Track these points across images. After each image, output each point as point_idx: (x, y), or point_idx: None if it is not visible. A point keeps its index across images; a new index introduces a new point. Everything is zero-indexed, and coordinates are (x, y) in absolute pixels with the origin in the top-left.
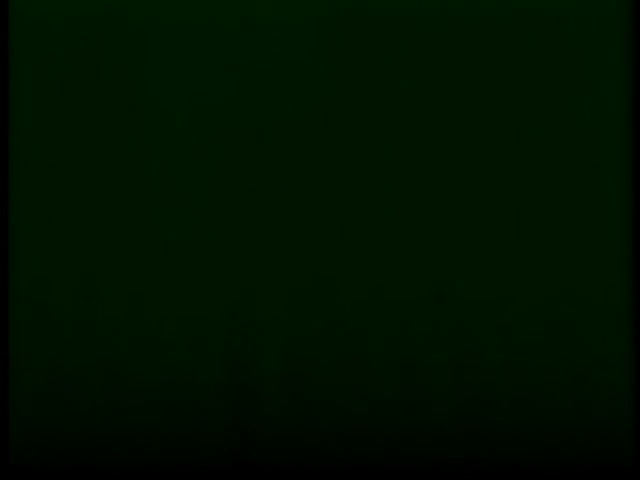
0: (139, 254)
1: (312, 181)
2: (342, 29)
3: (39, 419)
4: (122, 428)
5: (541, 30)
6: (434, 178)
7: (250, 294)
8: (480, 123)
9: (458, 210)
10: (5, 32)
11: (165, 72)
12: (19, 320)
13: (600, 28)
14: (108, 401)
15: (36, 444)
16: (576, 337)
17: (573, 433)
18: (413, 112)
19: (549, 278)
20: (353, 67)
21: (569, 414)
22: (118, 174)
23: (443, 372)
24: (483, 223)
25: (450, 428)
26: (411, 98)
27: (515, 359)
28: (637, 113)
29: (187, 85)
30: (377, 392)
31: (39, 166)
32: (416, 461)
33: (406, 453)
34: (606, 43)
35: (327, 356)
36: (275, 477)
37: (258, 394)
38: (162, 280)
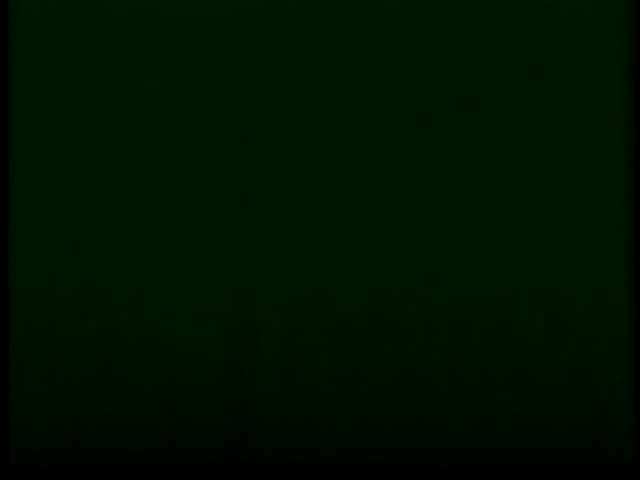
0: (139, 255)
1: (312, 182)
2: (342, 28)
3: (39, 419)
4: (122, 428)
5: (541, 30)
6: (434, 183)
7: (250, 294)
8: (480, 125)
9: (458, 213)
10: (5, 32)
11: (165, 72)
12: (19, 320)
13: (600, 28)
14: (108, 401)
15: (36, 444)
16: (576, 337)
17: (573, 433)
18: (413, 114)
19: (549, 279)
20: (353, 67)
21: (569, 414)
22: (118, 175)
23: (443, 372)
24: (483, 224)
25: (450, 428)
26: (411, 100)
27: (515, 360)
28: (637, 113)
29: (187, 85)
30: (377, 392)
31: (39, 167)
32: (416, 461)
33: (406, 453)
34: (606, 43)
35: (327, 356)
36: (275, 477)
37: (258, 394)
38: (162, 280)
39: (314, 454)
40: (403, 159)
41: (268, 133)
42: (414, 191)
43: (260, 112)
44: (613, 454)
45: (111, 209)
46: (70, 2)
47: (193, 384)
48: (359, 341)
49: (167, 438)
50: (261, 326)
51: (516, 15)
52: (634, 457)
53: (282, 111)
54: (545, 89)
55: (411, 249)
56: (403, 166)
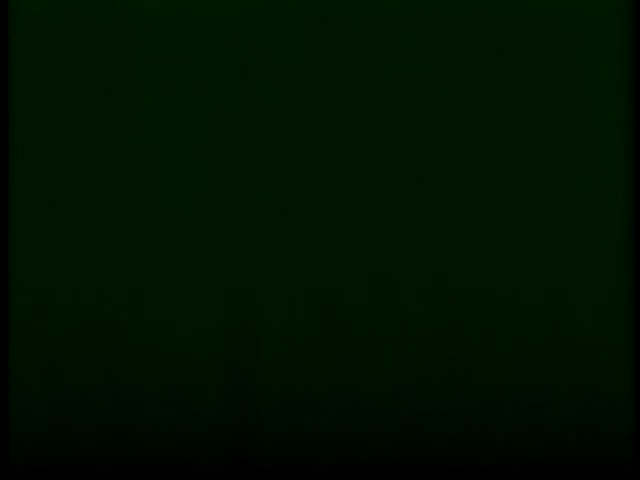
0: (139, 255)
1: (313, 182)
2: (342, 28)
3: (39, 419)
4: (122, 428)
5: (540, 30)
6: (434, 184)
7: (250, 294)
8: (481, 126)
9: (457, 213)
10: (5, 32)
11: (165, 72)
12: (19, 320)
13: (600, 28)
14: (108, 401)
15: (36, 444)
16: (576, 336)
17: (572, 432)
18: (414, 114)
19: (549, 279)
20: (353, 66)
21: (568, 413)
22: (118, 176)
23: (443, 372)
24: (483, 225)
25: (449, 428)
26: (412, 98)
27: (515, 359)
28: (637, 113)
29: (188, 85)
30: (377, 393)
31: (39, 167)
32: (417, 462)
33: (407, 454)
34: (606, 43)
35: (327, 357)
36: (275, 477)
37: (258, 394)
38: (162, 281)
39: (314, 454)
40: (404, 158)
41: (268, 132)
42: (415, 191)
43: (260, 111)
44: (613, 454)
45: (111, 210)
46: (70, 2)
47: (193, 384)
48: (360, 341)
49: (167, 438)
50: (261, 326)
51: (516, 15)
52: (634, 457)
53: (283, 110)
54: (545, 88)
55: (412, 249)
56: (404, 166)
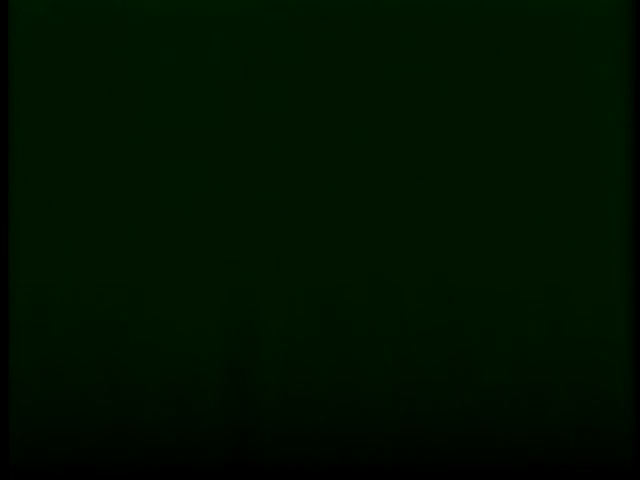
0: (139, 255)
1: (313, 182)
2: (342, 28)
3: (39, 419)
4: (122, 428)
5: (540, 30)
6: (434, 184)
7: (250, 294)
8: (481, 126)
9: (457, 213)
10: (5, 32)
11: (166, 72)
12: (19, 320)
13: (600, 28)
14: (108, 401)
15: (36, 444)
16: (576, 336)
17: (572, 432)
18: (414, 114)
19: (549, 279)
20: (353, 66)
21: (568, 413)
22: (118, 176)
23: (443, 373)
24: (483, 225)
25: (449, 428)
26: (413, 98)
27: (515, 359)
28: (637, 113)
29: (188, 85)
30: (377, 393)
31: (39, 167)
32: (417, 462)
33: (407, 454)
34: (606, 43)
35: (327, 357)
36: (275, 477)
37: (258, 394)
38: (162, 281)
39: (314, 454)
40: (404, 158)
41: (269, 132)
42: (415, 192)
43: (260, 111)
44: (613, 454)
45: (111, 210)
46: (70, 2)
47: (193, 384)
48: (360, 341)
49: (167, 438)
50: (261, 326)
51: (516, 15)
52: (634, 457)
53: (283, 110)
54: (545, 88)
55: (412, 249)
56: (404, 166)
